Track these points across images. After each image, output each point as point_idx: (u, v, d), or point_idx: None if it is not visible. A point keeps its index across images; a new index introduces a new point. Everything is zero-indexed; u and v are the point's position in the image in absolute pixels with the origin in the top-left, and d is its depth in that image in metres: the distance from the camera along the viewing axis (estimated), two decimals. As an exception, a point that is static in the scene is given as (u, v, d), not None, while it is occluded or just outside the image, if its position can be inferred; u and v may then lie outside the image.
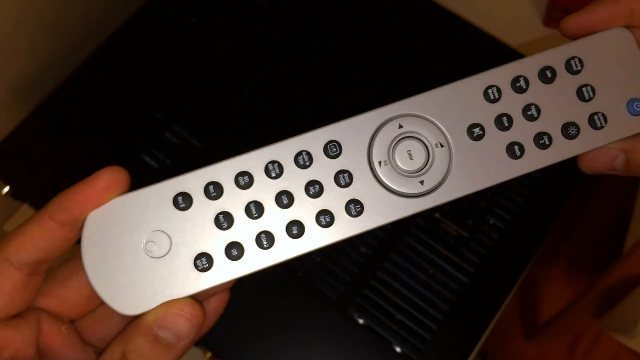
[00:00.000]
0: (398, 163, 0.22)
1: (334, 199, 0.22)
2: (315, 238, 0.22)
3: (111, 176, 0.23)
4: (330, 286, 0.46)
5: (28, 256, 0.22)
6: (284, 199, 0.22)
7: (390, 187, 0.22)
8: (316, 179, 0.22)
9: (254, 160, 0.23)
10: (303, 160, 0.22)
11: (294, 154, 0.23)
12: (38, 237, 0.22)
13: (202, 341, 0.45)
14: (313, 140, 0.23)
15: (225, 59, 0.54)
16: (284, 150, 0.23)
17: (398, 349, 0.45)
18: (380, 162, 0.22)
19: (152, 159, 0.50)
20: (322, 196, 0.22)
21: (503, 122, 0.23)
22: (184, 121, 0.51)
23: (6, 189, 0.50)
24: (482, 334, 0.45)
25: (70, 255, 0.23)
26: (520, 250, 0.48)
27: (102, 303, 0.22)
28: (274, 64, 0.54)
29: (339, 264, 0.47)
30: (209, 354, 0.46)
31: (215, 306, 0.24)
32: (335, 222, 0.22)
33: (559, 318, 0.91)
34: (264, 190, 0.23)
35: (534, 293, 1.10)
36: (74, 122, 0.52)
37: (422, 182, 0.22)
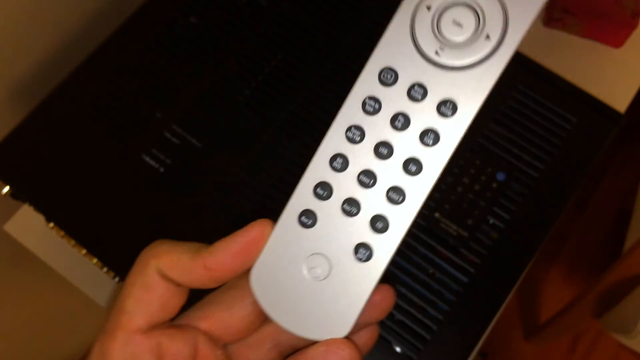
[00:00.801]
0: (454, 39, 0.21)
1: (423, 116, 0.21)
2: (434, 161, 0.21)
3: (261, 229, 0.23)
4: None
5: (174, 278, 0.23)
6: (383, 151, 0.22)
7: (463, 64, 0.21)
8: (398, 111, 0.22)
9: (337, 142, 0.22)
10: (371, 107, 0.22)
11: (361, 106, 0.22)
12: (185, 272, 0.22)
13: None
14: (366, 85, 0.22)
15: (225, 59, 0.54)
16: (350, 115, 0.22)
17: (398, 349, 0.45)
18: (437, 52, 0.21)
19: (152, 159, 0.50)
20: (411, 123, 0.21)
21: None
22: (184, 121, 0.51)
23: (6, 189, 0.50)
24: (482, 334, 0.45)
25: (231, 283, 0.24)
26: (520, 250, 0.48)
27: (257, 329, 0.24)
28: (274, 64, 0.54)
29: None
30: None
31: (365, 341, 0.24)
32: (440, 137, 0.21)
33: (559, 318, 0.92)
34: (362, 157, 0.22)
35: (534, 293, 1.10)
36: (73, 122, 0.52)
37: (487, 37, 0.20)
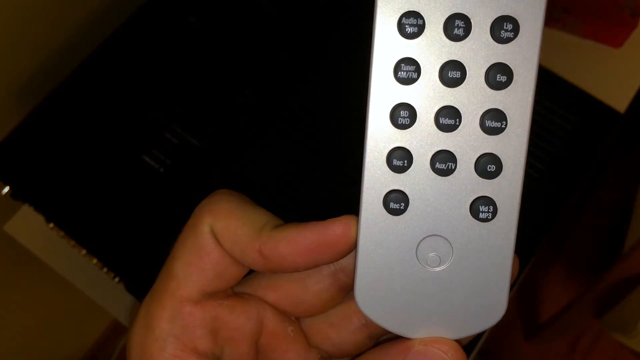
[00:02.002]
0: None
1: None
2: (522, 59, 0.17)
3: (346, 228, 0.18)
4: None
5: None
6: (454, 74, 0.17)
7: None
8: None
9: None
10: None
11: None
12: (238, 248, 0.19)
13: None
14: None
15: (226, 59, 0.54)
16: (390, 50, 0.17)
17: (398, 349, 0.45)
18: None
19: (152, 159, 0.50)
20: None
21: None
22: (184, 121, 0.51)
23: (6, 189, 0.50)
24: (482, 334, 0.45)
25: None
26: (520, 250, 0.48)
27: (342, 303, 0.20)
28: (274, 64, 0.54)
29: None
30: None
31: None
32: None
33: (559, 318, 0.91)
34: (430, 94, 0.17)
35: (534, 293, 1.10)
36: (74, 123, 0.52)
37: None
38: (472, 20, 0.16)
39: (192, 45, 0.55)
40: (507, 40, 0.16)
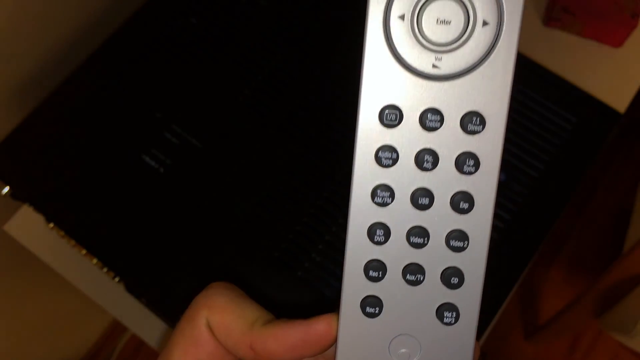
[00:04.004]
0: (446, 40, 0.17)
1: (451, 143, 0.18)
2: (482, 187, 0.19)
3: (327, 326, 0.21)
4: (331, 286, 0.46)
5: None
6: (423, 201, 0.19)
7: (470, 64, 0.17)
8: (420, 149, 0.18)
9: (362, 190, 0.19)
10: (388, 159, 0.19)
11: (375, 161, 0.19)
12: (230, 341, 0.21)
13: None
14: (370, 135, 0.18)
15: (225, 59, 0.54)
16: (368, 177, 0.19)
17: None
18: (433, 65, 0.17)
19: (152, 159, 0.50)
20: (440, 157, 0.18)
21: None
22: (184, 121, 0.51)
23: (6, 189, 0.50)
24: (482, 334, 0.45)
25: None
26: (520, 250, 0.48)
27: None
28: (274, 64, 0.54)
29: (339, 264, 0.47)
30: None
31: None
32: (480, 159, 0.18)
33: (559, 318, 0.91)
34: (402, 217, 0.19)
35: (534, 293, 1.10)
36: (73, 123, 0.52)
37: (484, 22, 0.17)
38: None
39: (193, 46, 0.55)
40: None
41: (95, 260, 0.48)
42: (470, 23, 0.17)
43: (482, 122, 0.18)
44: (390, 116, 0.18)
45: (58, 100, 0.53)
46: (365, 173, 0.19)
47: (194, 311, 0.21)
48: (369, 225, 0.19)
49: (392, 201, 0.19)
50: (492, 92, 0.17)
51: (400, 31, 0.17)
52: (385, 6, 0.17)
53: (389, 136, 0.18)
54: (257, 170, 0.50)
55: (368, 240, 0.19)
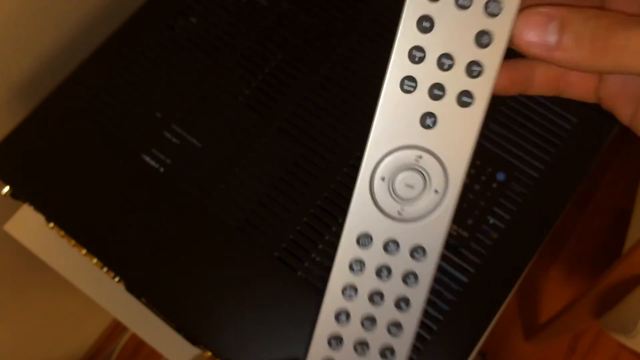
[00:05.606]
0: (409, 198, 0.25)
1: (400, 263, 0.26)
2: (417, 293, 0.25)
3: None
4: (330, 286, 0.46)
5: None
6: (376, 298, 0.26)
7: (421, 215, 0.25)
8: (380, 264, 0.26)
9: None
10: (358, 266, 0.26)
11: (348, 268, 0.26)
12: None
13: (202, 341, 0.45)
14: (348, 250, 0.26)
15: (225, 59, 0.54)
16: (340, 276, 0.26)
17: (398, 349, 0.45)
18: (399, 212, 0.25)
19: (152, 159, 0.50)
20: (392, 271, 0.25)
21: None
22: (184, 121, 0.51)
23: (6, 189, 0.50)
24: (482, 334, 0.45)
25: None
26: (520, 250, 0.48)
27: None
28: (274, 64, 0.54)
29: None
30: (208, 354, 0.46)
31: None
32: (418, 276, 0.25)
33: (559, 318, 0.92)
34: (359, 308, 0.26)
35: (534, 293, 1.10)
36: (74, 122, 0.52)
37: (436, 191, 0.25)
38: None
39: (193, 45, 0.55)
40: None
41: (95, 260, 0.48)
42: (426, 189, 0.25)
43: (424, 252, 0.25)
44: (364, 240, 0.25)
45: (58, 100, 0.53)
46: (338, 274, 0.26)
47: None
48: (336, 310, 0.26)
49: (355, 296, 0.26)
50: (432, 233, 0.25)
51: (380, 187, 0.25)
52: (372, 170, 0.25)
53: (360, 253, 0.25)
54: (257, 170, 0.50)
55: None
